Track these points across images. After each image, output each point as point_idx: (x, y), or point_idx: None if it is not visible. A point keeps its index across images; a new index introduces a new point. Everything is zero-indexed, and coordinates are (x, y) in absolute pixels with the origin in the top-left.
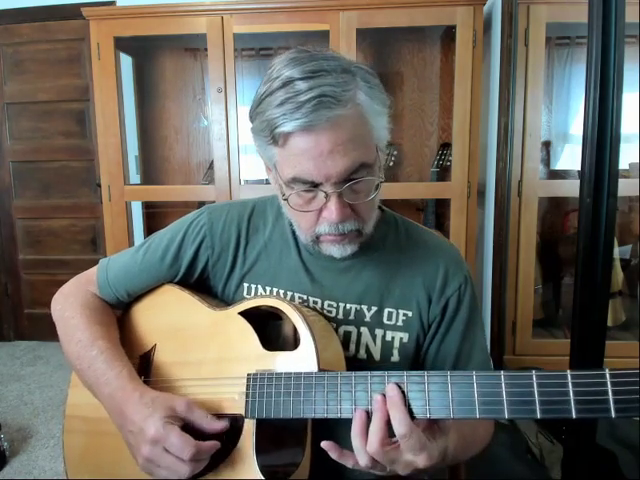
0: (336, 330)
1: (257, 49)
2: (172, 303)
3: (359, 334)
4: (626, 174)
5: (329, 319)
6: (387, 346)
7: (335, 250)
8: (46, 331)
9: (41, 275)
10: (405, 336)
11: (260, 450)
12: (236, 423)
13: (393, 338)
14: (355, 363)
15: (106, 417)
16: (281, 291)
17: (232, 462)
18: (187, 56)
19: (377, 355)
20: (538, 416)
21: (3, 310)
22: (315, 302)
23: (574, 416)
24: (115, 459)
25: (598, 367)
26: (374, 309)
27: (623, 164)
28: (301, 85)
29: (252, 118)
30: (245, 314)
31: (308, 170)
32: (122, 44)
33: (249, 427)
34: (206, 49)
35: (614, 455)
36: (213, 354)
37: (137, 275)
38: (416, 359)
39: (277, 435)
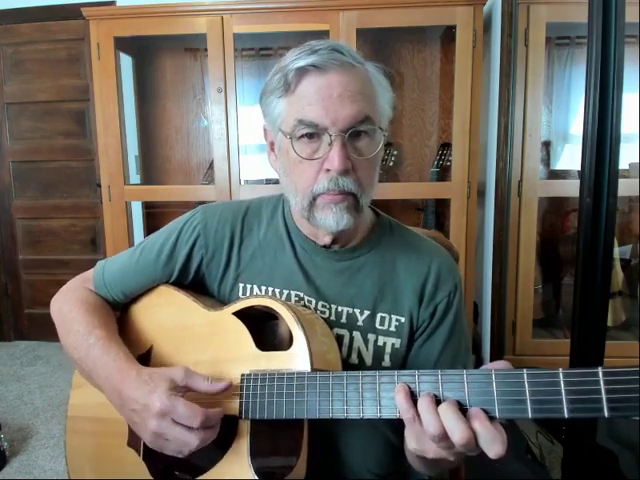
0: None
1: (257, 49)
2: (168, 304)
3: (351, 338)
4: (626, 174)
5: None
6: (379, 351)
7: (331, 218)
8: (46, 331)
9: (41, 275)
10: (397, 342)
11: (255, 451)
12: (231, 424)
13: (385, 343)
14: (346, 367)
15: (109, 417)
16: (277, 290)
17: (227, 463)
18: (187, 56)
19: (369, 360)
20: (529, 415)
21: (3, 310)
22: (310, 301)
23: (566, 416)
24: (117, 458)
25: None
26: (367, 313)
27: (623, 164)
28: (317, 42)
29: (264, 92)
30: (242, 314)
31: (316, 111)
32: (122, 44)
33: (244, 428)
34: (206, 49)
35: (614, 455)
36: (208, 355)
37: (132, 276)
38: (406, 364)
39: (273, 436)
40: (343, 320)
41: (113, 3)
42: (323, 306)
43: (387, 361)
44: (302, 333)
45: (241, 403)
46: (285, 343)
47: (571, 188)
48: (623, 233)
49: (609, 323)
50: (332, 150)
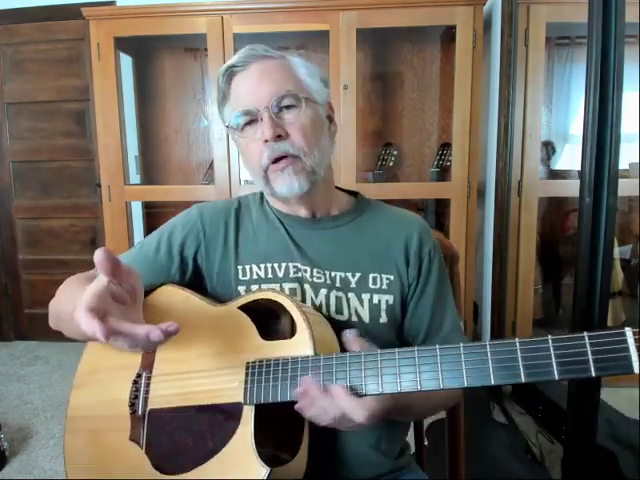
0: (328, 295)
1: None
2: (172, 302)
3: (348, 299)
4: (626, 174)
5: (320, 285)
6: (375, 308)
7: (284, 186)
8: (46, 331)
9: (41, 275)
10: (390, 298)
11: (259, 438)
12: (235, 411)
13: (380, 301)
14: (350, 326)
15: (110, 414)
16: (275, 264)
17: (232, 449)
18: (187, 56)
19: (366, 318)
20: (523, 380)
21: (3, 310)
22: (305, 270)
23: (557, 377)
24: (119, 453)
25: None
26: (358, 275)
27: (623, 164)
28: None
29: (218, 108)
30: (246, 309)
31: (245, 99)
32: (122, 44)
33: (248, 414)
34: (206, 49)
35: (614, 455)
36: (214, 347)
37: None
38: (402, 320)
39: (276, 423)
40: (338, 284)
41: (113, 3)
42: (318, 272)
43: (384, 317)
44: (305, 321)
45: (246, 389)
46: (288, 334)
47: (571, 188)
48: (623, 233)
49: (609, 323)
50: (262, 123)
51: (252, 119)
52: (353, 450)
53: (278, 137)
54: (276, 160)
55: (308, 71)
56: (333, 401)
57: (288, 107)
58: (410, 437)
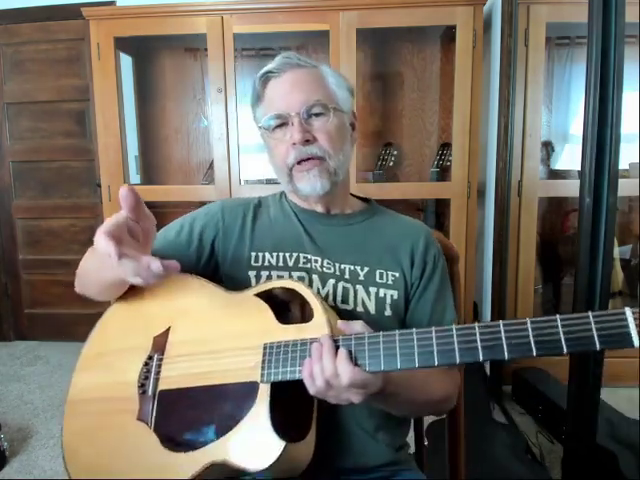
0: (336, 285)
1: (257, 49)
2: (187, 288)
3: (355, 291)
4: (626, 174)
5: (329, 275)
6: (380, 302)
7: (307, 185)
8: (46, 331)
9: (41, 275)
10: (395, 293)
11: (273, 418)
12: (251, 390)
13: (385, 295)
14: (355, 316)
15: (117, 395)
16: (287, 254)
17: (246, 425)
18: (187, 56)
19: (372, 310)
20: (534, 353)
21: (3, 310)
22: (316, 260)
23: (565, 351)
24: (126, 434)
25: (599, 367)
26: (366, 269)
27: (623, 164)
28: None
29: (251, 105)
30: (262, 297)
31: (278, 104)
32: (122, 44)
33: (264, 392)
34: (206, 49)
35: (614, 455)
36: (230, 330)
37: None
38: (404, 316)
39: (285, 410)
40: (347, 276)
41: (113, 3)
42: (328, 263)
43: (389, 311)
44: (321, 307)
45: (263, 368)
46: (301, 322)
47: (571, 188)
48: (623, 233)
49: None
50: (293, 127)
51: (283, 122)
52: (351, 438)
53: (306, 141)
54: (302, 161)
55: (336, 81)
56: (335, 359)
57: (317, 114)
58: (410, 437)
